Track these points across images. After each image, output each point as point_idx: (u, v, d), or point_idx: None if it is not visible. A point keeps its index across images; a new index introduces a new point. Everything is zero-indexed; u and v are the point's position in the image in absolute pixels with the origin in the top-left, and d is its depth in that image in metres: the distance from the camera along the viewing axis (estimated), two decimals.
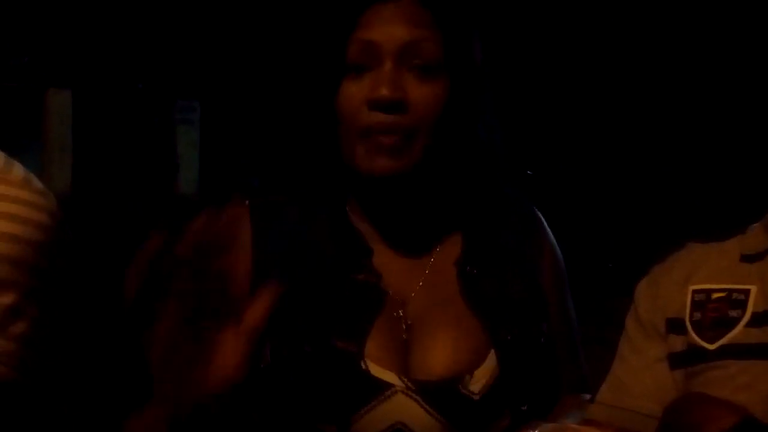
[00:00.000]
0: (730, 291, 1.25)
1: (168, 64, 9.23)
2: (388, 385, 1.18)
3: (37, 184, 1.09)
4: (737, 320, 1.23)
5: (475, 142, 1.26)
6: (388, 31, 1.20)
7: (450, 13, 1.24)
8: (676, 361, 1.27)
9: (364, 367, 1.18)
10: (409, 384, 1.18)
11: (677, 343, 1.27)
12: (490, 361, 1.21)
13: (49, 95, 8.48)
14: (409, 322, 1.23)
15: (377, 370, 1.19)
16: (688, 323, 1.26)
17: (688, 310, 1.27)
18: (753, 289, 1.24)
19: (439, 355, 1.21)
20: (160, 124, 9.34)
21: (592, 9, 8.27)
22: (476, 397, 1.19)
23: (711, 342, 1.23)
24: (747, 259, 1.27)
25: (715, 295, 1.26)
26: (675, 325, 1.28)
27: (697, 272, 1.29)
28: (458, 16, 1.24)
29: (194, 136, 9.43)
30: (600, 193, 8.36)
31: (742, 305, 1.24)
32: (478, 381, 1.20)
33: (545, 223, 1.35)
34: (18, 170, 1.09)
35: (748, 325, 1.22)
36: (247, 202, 1.27)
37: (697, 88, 8.08)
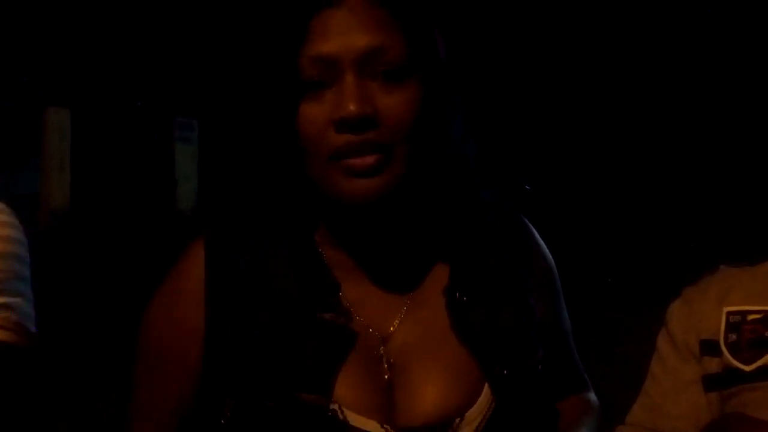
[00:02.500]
0: (767, 312, 1.24)
1: (166, 82, 9.24)
2: None
3: None
4: None
5: (451, 150, 1.11)
6: (344, 40, 1.04)
7: (410, 9, 1.08)
8: (710, 383, 1.26)
9: (341, 417, 1.05)
10: None
11: (712, 365, 1.26)
12: (484, 400, 1.09)
13: (48, 113, 8.49)
14: (391, 361, 1.10)
15: (356, 419, 1.06)
16: (723, 345, 1.25)
17: (722, 332, 1.26)
18: None
19: (427, 395, 1.08)
20: (158, 141, 9.34)
21: (594, 12, 8.26)
22: None
23: (747, 363, 1.22)
24: None
25: (751, 317, 1.25)
26: (709, 347, 1.27)
27: (731, 294, 1.28)
28: (419, 11, 1.09)
29: (193, 153, 9.44)
30: (606, 208, 8.35)
31: None
32: (470, 423, 1.08)
33: (532, 229, 1.22)
34: None
35: None
36: (201, 238, 1.13)
37: (710, 96, 8.05)
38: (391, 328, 1.11)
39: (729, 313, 1.27)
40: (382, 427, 1.06)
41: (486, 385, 1.09)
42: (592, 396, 1.27)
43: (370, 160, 1.04)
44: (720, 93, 7.94)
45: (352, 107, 1.03)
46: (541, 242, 1.22)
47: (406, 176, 1.07)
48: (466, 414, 1.08)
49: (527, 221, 1.21)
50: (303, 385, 1.06)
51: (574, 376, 1.26)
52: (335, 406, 1.06)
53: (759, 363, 1.22)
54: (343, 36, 1.04)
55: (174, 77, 9.21)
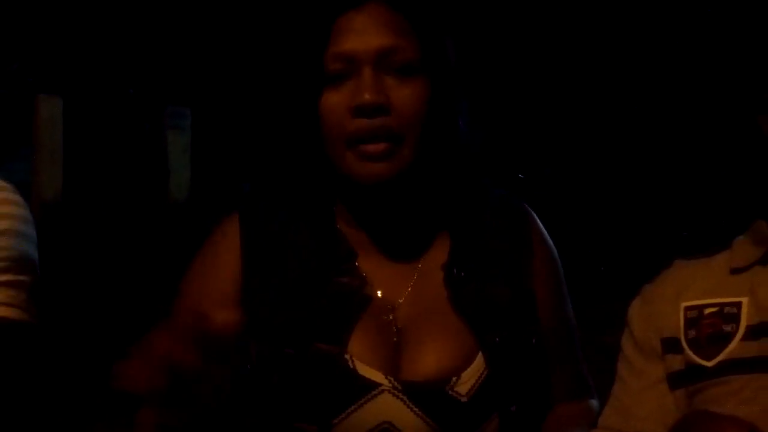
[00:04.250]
0: (722, 305, 1.25)
1: (159, 70, 9.21)
2: (374, 384, 1.19)
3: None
4: (732, 335, 1.22)
5: (457, 141, 1.26)
6: (363, 40, 1.20)
7: (423, 15, 1.23)
8: (675, 380, 1.26)
9: (351, 366, 1.19)
10: (396, 384, 1.19)
11: (675, 363, 1.26)
12: (478, 364, 1.21)
13: (39, 101, 8.44)
14: (399, 326, 1.23)
15: (364, 369, 1.19)
16: (683, 342, 1.25)
17: (682, 329, 1.26)
18: (744, 301, 1.23)
19: (428, 357, 1.22)
20: (150, 129, 9.31)
21: (590, 12, 8.28)
22: (464, 399, 1.19)
23: (709, 359, 1.23)
24: (736, 272, 1.26)
25: (708, 311, 1.25)
26: (671, 345, 1.27)
27: (687, 289, 1.28)
28: (432, 17, 1.24)
29: (185, 141, 9.39)
30: (596, 196, 8.37)
31: (735, 319, 1.23)
32: (466, 383, 1.20)
33: (536, 220, 1.32)
34: None
35: (744, 338, 1.22)
36: (237, 211, 1.29)
37: (683, 98, 8.10)
38: (401, 299, 1.24)
39: (687, 308, 1.27)
40: (386, 378, 1.19)
41: (480, 352, 1.21)
42: (595, 403, 1.33)
43: (381, 146, 1.19)
44: (687, 92, 7.98)
45: (367, 96, 1.18)
46: (545, 233, 1.32)
47: (413, 162, 1.22)
48: (462, 374, 1.20)
49: (532, 213, 1.33)
50: (320, 336, 1.20)
51: (576, 378, 1.32)
52: (347, 356, 1.20)
53: (720, 358, 1.22)
54: (362, 36, 1.20)
55: (167, 65, 9.18)
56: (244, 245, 1.26)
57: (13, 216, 1.33)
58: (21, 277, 1.33)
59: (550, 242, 1.32)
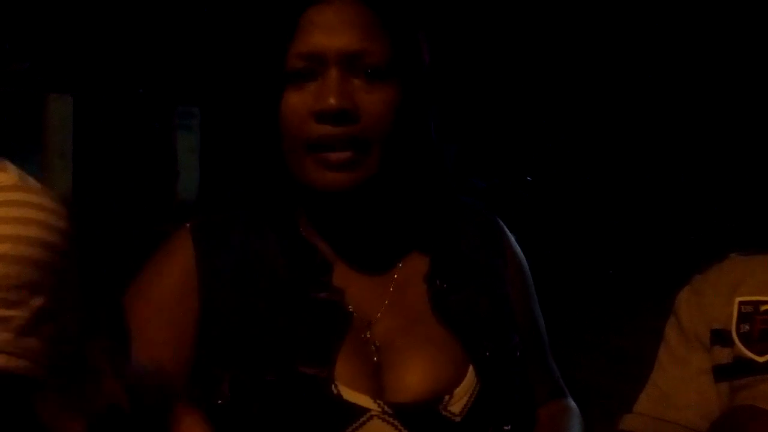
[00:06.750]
0: None
1: (168, 70, 9.23)
2: (362, 410, 1.08)
3: (52, 192, 1.17)
4: None
5: (428, 149, 1.16)
6: (331, 38, 1.09)
7: (396, 12, 1.13)
8: (721, 373, 1.25)
9: (335, 391, 1.08)
10: (386, 408, 1.08)
11: (723, 355, 1.25)
12: (470, 379, 1.12)
13: (49, 101, 8.46)
14: (377, 344, 1.13)
15: (350, 394, 1.08)
16: (735, 335, 1.24)
17: (734, 322, 1.25)
18: None
19: (414, 375, 1.11)
20: (160, 129, 9.32)
21: (590, 11, 8.26)
22: (458, 419, 1.10)
23: (760, 354, 1.22)
24: None
25: (764, 308, 1.24)
26: (720, 337, 1.26)
27: (743, 284, 1.27)
28: (405, 15, 1.14)
29: (194, 142, 9.41)
30: (604, 200, 8.35)
31: None
32: (459, 400, 1.11)
33: (506, 230, 1.26)
34: (33, 180, 1.13)
35: None
36: (188, 225, 1.16)
37: (703, 86, 8.05)
38: (377, 314, 1.14)
39: (741, 303, 1.26)
40: (375, 402, 1.09)
41: (471, 366, 1.12)
42: (572, 403, 1.28)
43: (345, 155, 1.09)
44: (718, 81, 7.93)
45: (332, 100, 1.07)
46: (515, 243, 1.26)
47: (379, 172, 1.11)
48: (455, 391, 1.11)
49: (501, 222, 1.26)
50: (303, 358, 1.09)
51: (552, 381, 1.28)
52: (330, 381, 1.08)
53: None
54: (330, 33, 1.09)
55: (176, 65, 9.20)
56: (200, 263, 1.13)
57: (13, 238, 1.07)
58: (10, 313, 1.06)
59: (520, 251, 1.26)
